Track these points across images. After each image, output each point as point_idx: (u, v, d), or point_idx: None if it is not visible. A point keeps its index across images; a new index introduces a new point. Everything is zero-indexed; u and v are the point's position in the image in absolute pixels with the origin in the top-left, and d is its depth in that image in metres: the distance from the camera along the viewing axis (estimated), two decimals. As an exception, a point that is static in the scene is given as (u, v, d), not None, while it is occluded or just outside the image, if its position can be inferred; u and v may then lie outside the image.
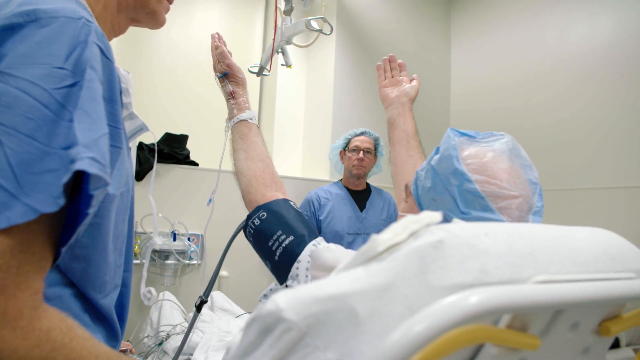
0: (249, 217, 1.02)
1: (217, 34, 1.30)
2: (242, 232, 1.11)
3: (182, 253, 2.42)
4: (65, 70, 0.60)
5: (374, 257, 0.53)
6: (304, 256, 0.90)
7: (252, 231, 0.99)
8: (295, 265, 0.89)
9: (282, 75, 3.10)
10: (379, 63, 1.57)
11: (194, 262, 2.46)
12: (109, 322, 0.77)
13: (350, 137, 2.60)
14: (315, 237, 0.95)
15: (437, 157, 0.88)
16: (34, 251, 0.57)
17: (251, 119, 1.19)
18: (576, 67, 2.88)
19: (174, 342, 1.62)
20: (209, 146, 2.99)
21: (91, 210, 0.58)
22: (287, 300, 0.48)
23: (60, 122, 0.57)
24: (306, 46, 2.25)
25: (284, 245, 0.93)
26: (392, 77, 1.54)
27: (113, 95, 0.68)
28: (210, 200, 1.29)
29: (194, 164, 2.59)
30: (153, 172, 1.13)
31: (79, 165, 0.55)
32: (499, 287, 0.50)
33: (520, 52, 3.19)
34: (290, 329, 0.47)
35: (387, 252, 0.53)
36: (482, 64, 3.44)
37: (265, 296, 1.03)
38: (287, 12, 2.01)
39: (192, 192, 2.51)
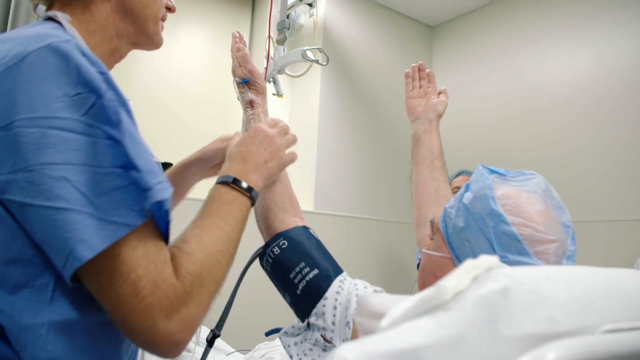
0: (267, 245, 0.96)
1: (238, 32, 1.23)
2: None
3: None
4: (82, 94, 0.63)
5: (441, 305, 0.50)
6: (332, 293, 0.84)
7: (270, 260, 0.93)
8: (322, 302, 0.84)
9: (266, 105, 3.08)
10: (407, 71, 1.47)
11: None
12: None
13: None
14: (340, 271, 0.90)
15: (469, 195, 0.86)
16: (149, 246, 0.66)
17: None
18: (556, 101, 2.94)
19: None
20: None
21: (170, 218, 0.69)
22: (355, 355, 0.44)
23: (101, 143, 0.63)
24: (299, 76, 2.23)
25: (307, 279, 0.87)
26: (420, 87, 1.47)
27: (126, 106, 0.71)
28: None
29: (178, 192, 2.52)
30: None
31: (154, 196, 0.64)
32: (572, 340, 0.47)
33: (501, 87, 3.25)
34: (361, 388, 0.43)
35: (453, 300, 0.50)
36: (463, 99, 3.49)
37: (286, 333, 0.97)
38: (280, 42, 2.00)
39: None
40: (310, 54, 1.77)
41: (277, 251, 0.92)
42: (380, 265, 3.16)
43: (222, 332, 1.93)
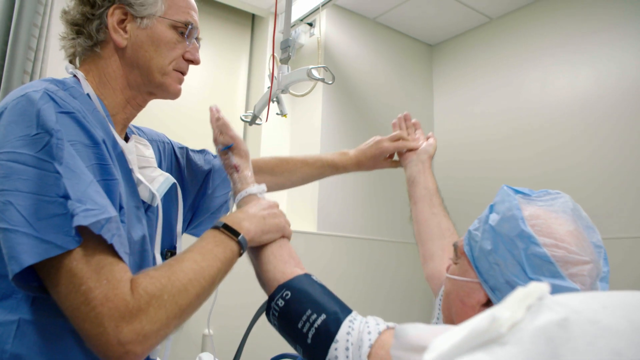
0: (270, 298, 0.91)
1: (216, 106, 1.27)
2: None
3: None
4: (40, 134, 0.74)
5: (496, 339, 0.45)
6: (342, 335, 0.79)
7: (276, 314, 0.88)
8: (333, 346, 0.79)
9: (265, 124, 3.04)
10: (394, 121, 1.55)
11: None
12: None
13: None
14: (349, 312, 0.85)
15: (496, 216, 0.82)
16: (102, 264, 0.72)
17: (261, 194, 1.09)
18: (558, 119, 2.92)
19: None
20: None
21: (113, 240, 0.73)
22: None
23: (50, 175, 0.72)
24: (303, 95, 2.20)
25: (316, 325, 0.82)
26: (408, 135, 1.51)
27: (93, 140, 0.81)
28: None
29: (178, 215, 2.47)
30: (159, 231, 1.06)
31: (77, 221, 0.70)
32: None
33: (502, 105, 3.23)
34: None
35: (509, 333, 0.45)
36: (464, 117, 3.47)
37: None
38: (284, 61, 1.97)
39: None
40: (315, 73, 1.75)
41: (281, 303, 0.88)
42: (382, 286, 3.10)
43: (223, 358, 1.87)
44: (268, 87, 2.00)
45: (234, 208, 1.14)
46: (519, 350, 0.43)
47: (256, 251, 1.00)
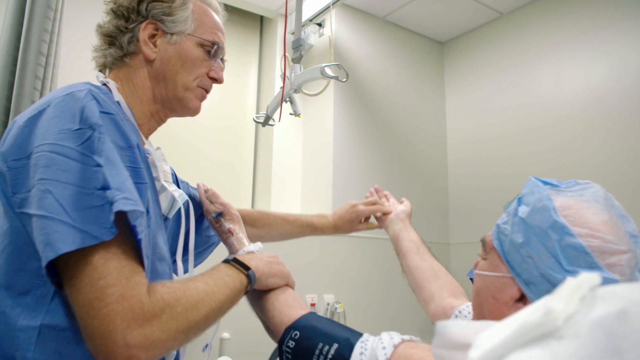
0: (280, 342, 0.90)
1: (203, 183, 1.34)
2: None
3: None
4: (82, 129, 0.77)
5: (551, 333, 0.42)
6: (355, 356, 0.78)
7: (289, 356, 0.86)
8: None
9: (277, 126, 3.02)
10: (367, 194, 1.66)
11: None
12: None
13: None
14: (360, 335, 0.83)
15: (526, 208, 0.79)
16: (124, 263, 0.72)
17: (258, 251, 1.13)
18: (572, 113, 2.87)
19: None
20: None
21: (142, 235, 0.74)
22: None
23: (90, 168, 0.73)
24: (316, 94, 2.18)
25: (330, 356, 0.80)
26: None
27: (128, 143, 0.83)
28: (207, 346, 1.27)
29: (193, 218, 2.46)
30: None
31: (117, 207, 0.71)
32: None
33: (515, 100, 3.20)
34: None
35: (565, 326, 0.43)
36: (477, 113, 3.43)
37: None
38: (296, 60, 1.95)
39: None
40: (329, 71, 1.72)
41: (292, 344, 0.86)
42: (396, 286, 3.07)
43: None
44: (280, 88, 1.98)
45: None
46: (578, 345, 0.41)
47: (260, 300, 1.03)
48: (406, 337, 0.82)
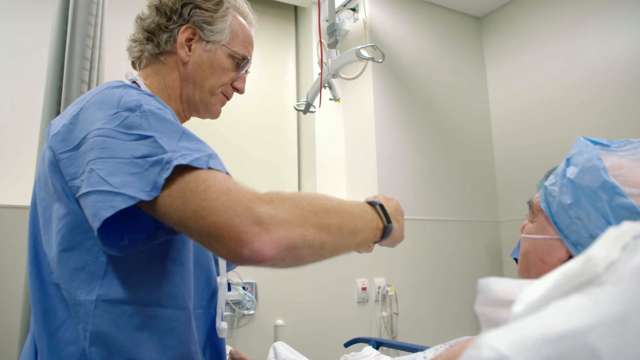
0: None
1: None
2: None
3: (237, 303, 2.31)
4: (119, 112, 0.79)
5: (592, 280, 0.42)
6: None
7: None
8: None
9: (318, 114, 3.04)
10: None
11: (251, 311, 2.35)
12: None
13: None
14: None
15: (574, 169, 0.78)
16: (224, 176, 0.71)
17: None
18: (620, 76, 2.75)
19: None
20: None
21: (226, 170, 0.74)
22: (509, 344, 0.37)
23: (128, 142, 0.75)
24: (354, 77, 2.18)
25: None
26: None
27: (174, 116, 0.85)
28: None
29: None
30: None
31: (176, 162, 0.70)
32: None
33: (558, 68, 3.09)
34: (520, 382, 0.36)
35: (606, 273, 0.43)
36: (519, 84, 3.35)
37: None
38: (332, 45, 1.96)
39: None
40: (364, 53, 1.72)
41: None
42: (444, 265, 3.05)
43: (294, 346, 1.89)
44: (318, 74, 1.99)
45: None
46: (619, 290, 0.41)
47: None
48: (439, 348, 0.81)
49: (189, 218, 0.66)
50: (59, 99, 1.75)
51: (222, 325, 1.00)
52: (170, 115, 0.83)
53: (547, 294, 0.44)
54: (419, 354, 0.81)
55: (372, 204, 0.86)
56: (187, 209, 0.66)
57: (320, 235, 0.69)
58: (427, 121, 3.20)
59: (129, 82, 1.01)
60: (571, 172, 0.78)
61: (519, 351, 0.37)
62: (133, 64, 1.13)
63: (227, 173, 0.73)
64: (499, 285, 0.52)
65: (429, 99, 3.24)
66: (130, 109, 0.79)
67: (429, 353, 0.79)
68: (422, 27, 3.33)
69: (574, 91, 2.99)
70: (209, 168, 0.70)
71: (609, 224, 0.71)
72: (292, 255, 0.66)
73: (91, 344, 0.79)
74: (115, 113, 0.79)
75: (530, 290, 0.47)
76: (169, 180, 0.70)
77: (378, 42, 3.04)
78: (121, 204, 0.70)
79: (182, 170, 0.70)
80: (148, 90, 0.99)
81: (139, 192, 0.70)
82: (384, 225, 0.85)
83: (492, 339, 0.38)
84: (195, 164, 0.70)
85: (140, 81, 1.03)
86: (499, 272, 3.28)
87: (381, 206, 0.86)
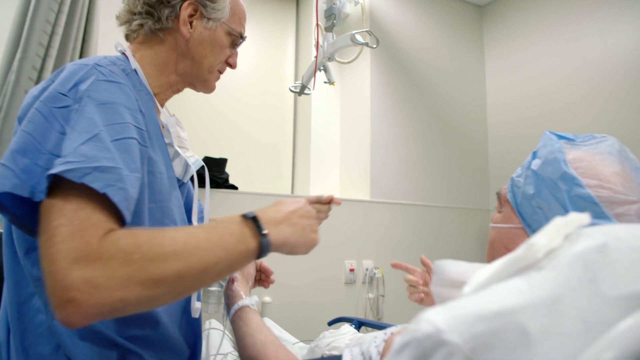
0: None
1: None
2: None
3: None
4: (64, 96, 0.78)
5: (532, 265, 0.46)
6: (346, 356, 0.79)
7: None
8: None
9: (315, 97, 3.06)
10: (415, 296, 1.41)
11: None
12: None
13: None
14: (351, 351, 0.83)
15: (538, 161, 0.81)
16: (84, 206, 0.67)
17: (252, 305, 1.15)
18: (619, 72, 2.77)
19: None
20: (245, 170, 2.95)
21: (107, 190, 0.68)
22: (446, 319, 0.40)
23: (52, 130, 0.74)
24: (349, 62, 2.20)
25: None
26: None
27: (133, 107, 0.85)
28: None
29: (234, 187, 2.54)
30: (195, 197, 1.09)
31: (50, 171, 0.67)
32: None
33: (557, 61, 3.10)
34: (453, 354, 0.39)
35: (546, 259, 0.46)
36: (518, 76, 3.36)
37: None
38: (329, 29, 1.97)
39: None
40: (359, 38, 1.74)
41: None
42: (436, 251, 3.09)
43: (280, 324, 1.93)
44: (314, 57, 2.01)
45: (227, 322, 1.17)
46: (556, 275, 0.44)
47: (239, 329, 1.02)
48: (396, 329, 0.82)
49: (39, 246, 0.66)
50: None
51: (195, 305, 0.98)
52: (114, 109, 0.80)
53: (492, 276, 0.47)
54: (380, 333, 0.83)
55: (245, 217, 0.79)
56: (40, 238, 0.66)
57: (148, 292, 0.65)
58: (423, 108, 3.22)
59: (118, 54, 1.02)
60: (535, 164, 0.81)
61: (454, 326, 0.40)
62: (127, 37, 1.10)
63: (112, 187, 0.70)
64: (453, 267, 0.55)
65: (427, 86, 3.26)
66: (76, 99, 0.78)
67: (389, 331, 0.82)
68: (422, 13, 3.33)
69: (571, 86, 3.01)
70: (82, 183, 0.67)
71: (567, 213, 0.75)
72: (111, 316, 0.65)
73: (54, 317, 0.78)
74: (60, 93, 0.78)
75: (481, 273, 0.50)
76: (52, 188, 0.68)
77: (377, 27, 3.05)
78: (17, 190, 0.69)
79: (59, 181, 0.68)
80: (137, 64, 1.00)
81: (36, 186, 0.69)
82: (258, 240, 0.77)
83: (431, 314, 0.42)
84: (67, 175, 0.67)
85: (129, 53, 1.02)
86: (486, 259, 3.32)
87: (254, 218, 0.79)
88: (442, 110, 3.31)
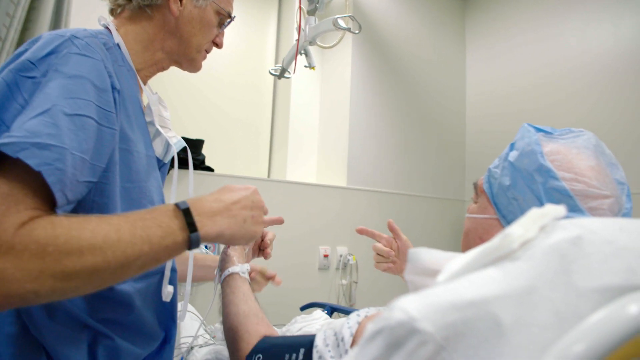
0: None
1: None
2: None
3: (199, 262, 2.33)
4: (33, 66, 0.75)
5: (507, 255, 0.45)
6: (319, 340, 0.77)
7: None
8: (315, 354, 0.76)
9: (295, 80, 3.03)
10: (383, 265, 1.39)
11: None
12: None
13: None
14: (325, 332, 0.81)
15: (515, 153, 0.81)
16: (15, 192, 0.64)
17: (243, 273, 1.12)
18: (597, 70, 2.81)
19: (200, 356, 1.53)
20: (223, 152, 2.92)
21: (42, 168, 0.65)
22: (419, 308, 0.40)
23: (14, 102, 0.72)
24: (331, 47, 2.18)
25: None
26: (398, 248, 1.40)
27: (104, 86, 0.81)
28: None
29: (210, 169, 2.51)
30: (175, 179, 1.05)
31: None
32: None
33: (537, 56, 3.13)
34: (426, 343, 0.39)
35: (521, 249, 0.46)
36: (498, 69, 3.38)
37: None
38: (311, 12, 1.95)
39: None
40: (342, 22, 1.72)
41: None
42: (412, 241, 3.12)
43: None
44: (296, 40, 1.98)
45: (219, 287, 1.15)
46: (530, 266, 0.44)
47: (230, 331, 0.98)
48: (371, 311, 0.81)
49: None
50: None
51: (167, 289, 0.96)
52: (79, 84, 0.77)
53: (467, 266, 0.47)
54: (353, 315, 0.83)
55: (178, 206, 0.76)
56: None
57: (62, 285, 0.63)
58: (403, 97, 3.22)
59: (100, 27, 0.99)
60: (512, 155, 0.82)
61: (427, 315, 0.40)
62: (111, 12, 1.07)
63: (48, 166, 0.66)
64: (427, 255, 0.55)
65: (407, 75, 3.25)
66: (43, 73, 0.75)
67: (362, 312, 0.81)
68: (406, 1, 3.32)
69: (549, 84, 3.04)
70: (17, 158, 0.64)
71: (541, 204, 0.75)
72: (24, 305, 0.63)
73: None
74: (29, 61, 0.76)
75: (455, 262, 0.50)
76: None
77: (360, 13, 3.03)
78: None
79: (3, 157, 0.65)
80: (120, 38, 0.97)
81: None
82: (187, 235, 0.74)
83: (404, 302, 0.41)
84: (4, 149, 0.64)
85: (112, 27, 0.99)
86: (460, 249, 3.37)
87: (186, 210, 0.75)
88: (422, 100, 3.32)
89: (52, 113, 0.70)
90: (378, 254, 1.36)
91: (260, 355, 0.84)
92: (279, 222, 1.21)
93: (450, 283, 0.44)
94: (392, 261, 1.35)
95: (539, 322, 0.41)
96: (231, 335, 0.96)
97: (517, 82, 3.24)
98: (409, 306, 0.40)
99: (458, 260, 0.50)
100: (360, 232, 1.39)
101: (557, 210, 0.50)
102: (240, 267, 1.12)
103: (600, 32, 2.83)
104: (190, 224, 0.74)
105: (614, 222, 0.51)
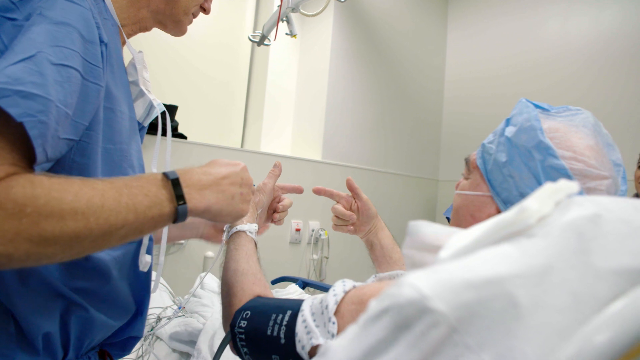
0: (232, 326, 0.83)
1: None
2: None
3: (168, 231, 2.27)
4: (14, 6, 0.70)
5: (522, 231, 0.42)
6: (305, 307, 0.74)
7: (243, 336, 0.80)
8: (300, 319, 0.72)
9: (274, 47, 2.95)
10: (343, 229, 1.35)
11: (181, 241, 2.32)
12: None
13: None
14: (313, 299, 0.78)
15: (513, 128, 0.78)
16: None
17: (250, 232, 1.07)
18: (577, 57, 2.83)
19: (168, 328, 1.49)
20: (198, 119, 2.83)
21: (24, 118, 0.59)
22: (431, 284, 0.36)
23: None
24: (315, 14, 2.11)
25: (285, 323, 0.74)
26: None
27: (91, 37, 0.75)
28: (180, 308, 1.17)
29: (182, 136, 2.43)
30: (157, 145, 0.99)
31: None
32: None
33: (517, 41, 3.13)
34: (438, 324, 0.35)
35: (537, 225, 0.42)
36: (478, 52, 3.37)
37: None
38: (295, -24, 1.88)
39: (179, 167, 2.36)
40: (328, -12, 1.66)
41: (244, 324, 0.80)
42: (386, 218, 3.11)
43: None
44: (278, 6, 1.91)
45: (224, 244, 1.11)
46: (548, 243, 0.41)
47: (226, 286, 0.95)
48: (358, 284, 0.79)
49: None
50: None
51: (145, 259, 0.91)
52: (66, 32, 0.70)
53: (477, 241, 0.44)
54: (338, 283, 0.79)
55: (166, 175, 0.72)
56: None
57: (38, 250, 0.58)
58: (382, 73, 3.17)
59: None
60: (509, 131, 0.78)
61: (440, 293, 0.36)
62: None
63: (31, 118, 0.61)
64: (429, 229, 0.51)
65: (388, 50, 3.20)
66: (24, 9, 0.70)
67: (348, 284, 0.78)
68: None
69: (528, 71, 3.05)
70: None
71: (539, 183, 0.73)
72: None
73: None
74: (10, 1, 0.70)
75: (459, 237, 0.46)
76: None
77: (343, -17, 2.95)
78: None
79: None
80: None
81: None
82: (175, 206, 0.70)
83: (415, 279, 0.37)
84: None
85: None
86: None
87: (175, 180, 0.71)
88: (401, 77, 3.28)
89: (37, 60, 0.64)
90: (337, 216, 1.31)
91: (249, 312, 0.82)
92: (299, 190, 1.20)
93: (462, 259, 0.40)
94: (352, 223, 1.32)
95: (556, 304, 0.38)
96: (226, 290, 0.94)
97: (496, 67, 3.24)
98: (420, 283, 0.36)
99: (463, 235, 0.46)
100: (318, 192, 1.36)
101: (571, 186, 0.47)
102: (248, 226, 1.09)
103: (582, 19, 2.83)
104: (179, 196, 0.70)
105: (625, 201, 0.49)
